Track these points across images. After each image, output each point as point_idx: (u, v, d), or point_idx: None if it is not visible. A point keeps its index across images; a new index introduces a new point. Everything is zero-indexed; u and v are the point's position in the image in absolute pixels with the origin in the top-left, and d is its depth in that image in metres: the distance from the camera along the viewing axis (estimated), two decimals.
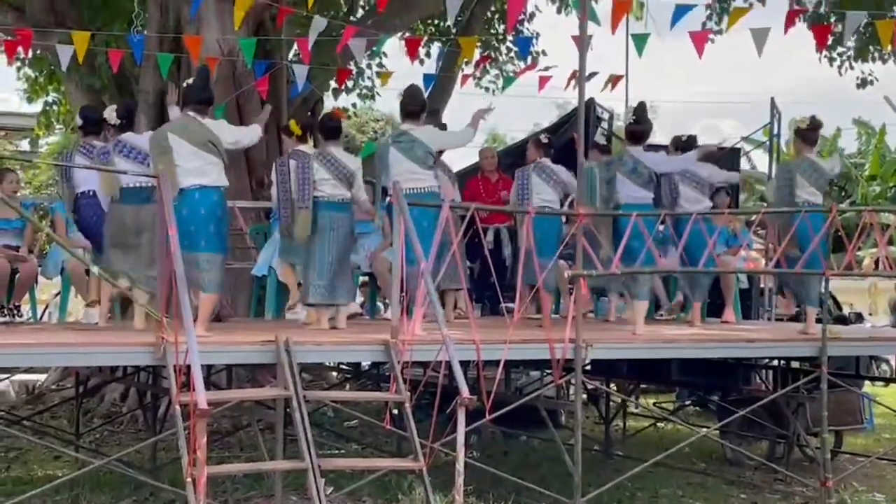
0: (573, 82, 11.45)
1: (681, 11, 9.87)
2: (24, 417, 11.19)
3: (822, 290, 8.92)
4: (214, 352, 6.92)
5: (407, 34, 15.60)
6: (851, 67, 15.50)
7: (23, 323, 9.76)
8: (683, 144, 10.24)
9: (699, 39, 10.17)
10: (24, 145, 26.60)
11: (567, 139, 11.66)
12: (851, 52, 15.35)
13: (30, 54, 14.47)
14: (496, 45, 17.75)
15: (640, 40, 10.89)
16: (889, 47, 14.16)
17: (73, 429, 10.62)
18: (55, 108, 17.40)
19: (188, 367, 5.93)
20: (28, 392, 13.32)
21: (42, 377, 13.68)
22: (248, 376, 10.76)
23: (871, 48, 15.19)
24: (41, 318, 13.43)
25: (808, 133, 9.46)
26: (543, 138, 10.29)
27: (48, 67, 16.12)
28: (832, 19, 14.34)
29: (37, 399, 12.88)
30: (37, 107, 17.75)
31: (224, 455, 9.98)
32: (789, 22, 10.04)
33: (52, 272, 9.68)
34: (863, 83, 15.78)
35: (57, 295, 11.20)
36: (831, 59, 15.36)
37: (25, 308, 11.12)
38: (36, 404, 12.54)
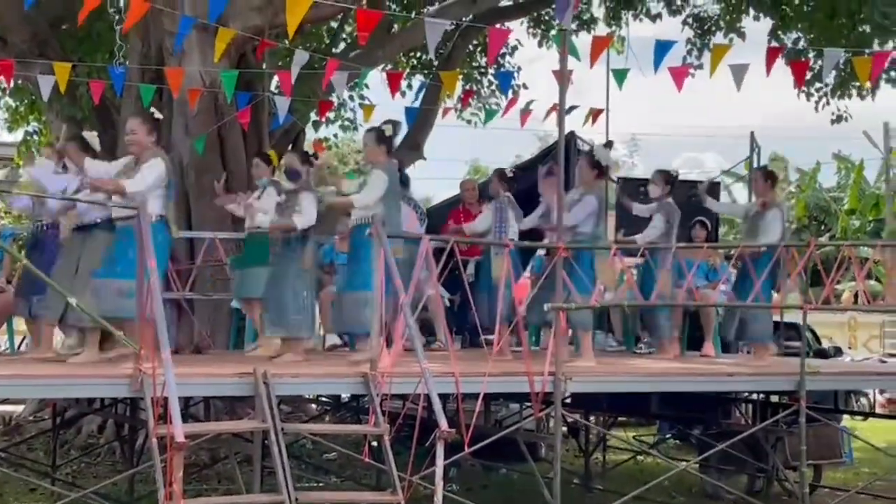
0: (553, 115, 11.52)
1: (661, 48, 9.93)
2: (0, 449, 11.10)
3: (802, 324, 8.96)
4: (192, 384, 6.89)
5: (389, 67, 15.69)
6: (828, 103, 15.65)
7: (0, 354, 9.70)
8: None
9: (679, 74, 10.24)
10: (4, 175, 26.51)
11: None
12: (828, 89, 15.49)
13: (11, 84, 14.47)
14: (478, 77, 17.85)
15: (621, 75, 10.96)
16: (867, 84, 14.31)
17: (50, 461, 10.54)
18: (36, 137, 17.39)
19: (166, 399, 5.90)
20: (4, 423, 13.22)
21: (19, 408, 13.58)
22: (226, 408, 10.71)
23: (850, 85, 15.33)
24: (18, 348, 13.33)
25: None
26: (508, 172, 10.35)
27: (29, 97, 16.13)
28: (810, 55, 14.48)
29: (13, 431, 12.77)
30: (17, 136, 17.75)
31: (201, 488, 9.91)
32: (770, 61, 10.11)
33: None
34: (838, 119, 15.93)
35: None
36: (808, 95, 15.50)
37: (2, 339, 11.07)
38: (12, 436, 12.43)
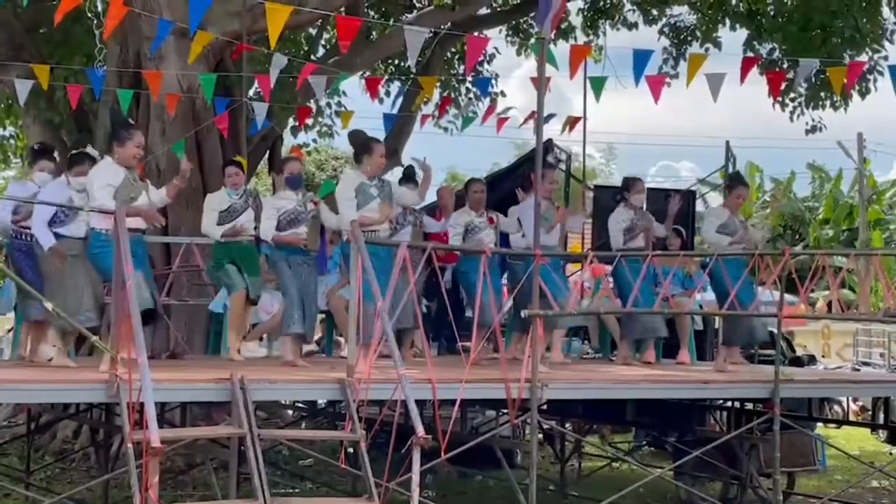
0: (531, 122, 11.58)
1: (640, 58, 10.00)
2: None
3: (776, 332, 9.03)
4: (168, 389, 6.85)
5: (367, 73, 15.71)
6: (803, 113, 15.77)
7: None
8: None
9: (655, 84, 10.32)
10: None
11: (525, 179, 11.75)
12: (802, 99, 15.62)
13: None
14: (455, 85, 17.89)
15: (598, 83, 11.03)
16: (840, 94, 14.44)
17: (24, 466, 10.47)
18: (12, 141, 17.31)
19: (141, 404, 5.88)
20: None
21: None
22: (203, 414, 10.68)
23: (822, 95, 15.47)
24: None
25: None
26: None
27: (6, 101, 16.04)
28: (785, 65, 14.61)
29: None
30: None
31: (177, 494, 9.88)
32: (745, 71, 10.20)
33: (5, 308, 9.59)
34: (813, 129, 16.06)
35: (10, 331, 11.09)
36: (783, 105, 15.62)
37: None
38: None
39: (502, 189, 11.90)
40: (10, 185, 9.96)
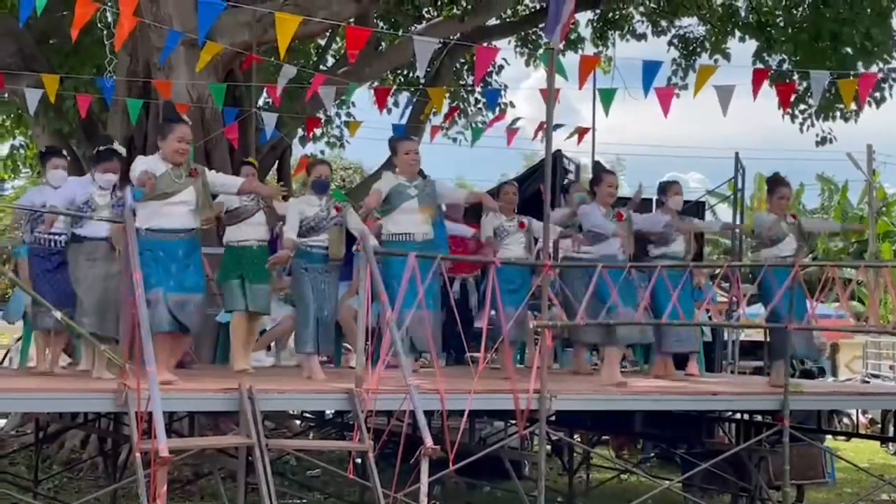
0: (541, 133, 11.57)
1: (650, 70, 10.00)
2: None
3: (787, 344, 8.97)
4: (176, 399, 6.86)
5: (376, 84, 15.74)
6: (813, 125, 15.74)
7: None
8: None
9: (665, 96, 10.31)
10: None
11: (534, 190, 11.74)
12: (813, 111, 15.59)
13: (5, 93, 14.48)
14: (464, 95, 17.91)
15: (608, 96, 11.02)
16: (852, 106, 14.41)
17: (32, 475, 10.46)
18: (22, 151, 17.36)
19: (150, 413, 5.88)
20: None
21: (1, 423, 13.52)
22: (211, 424, 10.67)
23: (834, 106, 15.43)
24: (1, 363, 13.31)
25: None
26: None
27: (16, 111, 16.11)
28: (795, 77, 14.59)
29: None
30: (3, 150, 17.73)
31: (184, 503, 9.87)
32: (756, 84, 10.16)
33: (14, 317, 9.58)
34: (822, 141, 16.01)
35: (18, 340, 11.10)
36: (793, 117, 15.59)
37: None
38: None
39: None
40: (28, 191, 9.88)
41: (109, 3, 10.77)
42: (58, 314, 6.66)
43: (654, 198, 10.48)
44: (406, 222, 8.49)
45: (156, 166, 7.36)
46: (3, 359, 14.28)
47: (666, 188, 10.10)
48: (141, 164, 7.33)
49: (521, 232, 9.86)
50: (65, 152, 9.63)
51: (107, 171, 8.01)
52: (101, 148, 8.32)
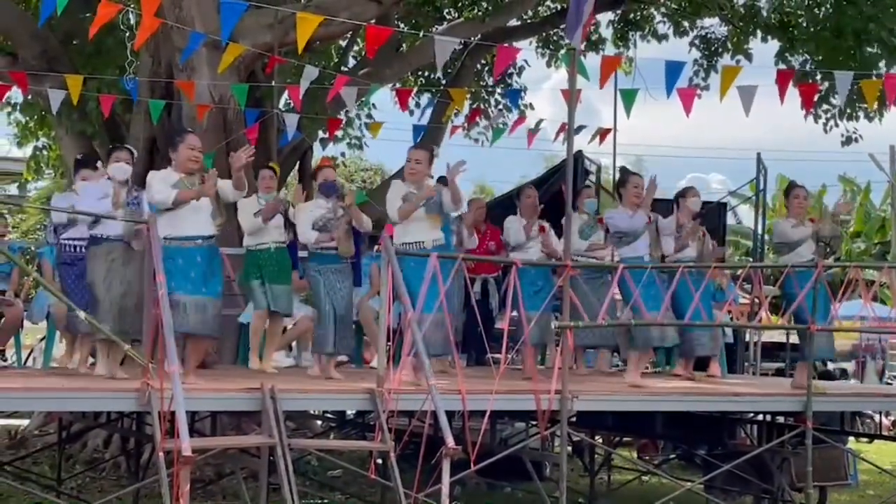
0: (562, 135, 11.56)
1: (672, 70, 9.96)
2: (5, 463, 11.08)
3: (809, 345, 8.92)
4: (199, 398, 6.89)
5: (397, 85, 15.75)
6: (836, 125, 15.65)
7: (7, 367, 9.71)
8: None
9: (686, 96, 10.26)
10: (13, 189, 26.64)
11: (555, 191, 11.72)
12: (836, 111, 15.50)
13: (20, 99, 14.54)
14: (485, 96, 17.90)
15: (629, 97, 10.98)
16: (874, 106, 14.32)
17: (55, 475, 10.53)
18: (45, 152, 17.44)
19: (173, 413, 5.91)
20: (10, 437, 13.21)
21: (25, 422, 13.59)
22: (233, 424, 10.71)
23: (857, 106, 15.34)
24: (25, 362, 13.38)
25: None
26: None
27: (39, 112, 16.19)
28: (818, 77, 14.52)
29: (19, 444, 12.77)
30: (27, 151, 17.81)
31: (207, 503, 9.90)
32: (782, 86, 10.12)
33: (38, 317, 9.65)
34: (847, 141, 15.91)
35: (42, 340, 11.17)
36: (816, 117, 15.51)
37: (10, 352, 11.09)
38: (18, 449, 12.43)
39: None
40: (53, 197, 9.94)
41: (132, 5, 10.82)
42: (82, 314, 6.70)
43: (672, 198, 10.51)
44: (415, 231, 8.45)
45: (169, 178, 7.56)
46: (28, 358, 14.36)
47: (685, 192, 10.10)
48: (156, 180, 7.53)
49: (542, 235, 9.88)
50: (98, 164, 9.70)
51: (118, 160, 7.93)
52: (111, 146, 8.45)
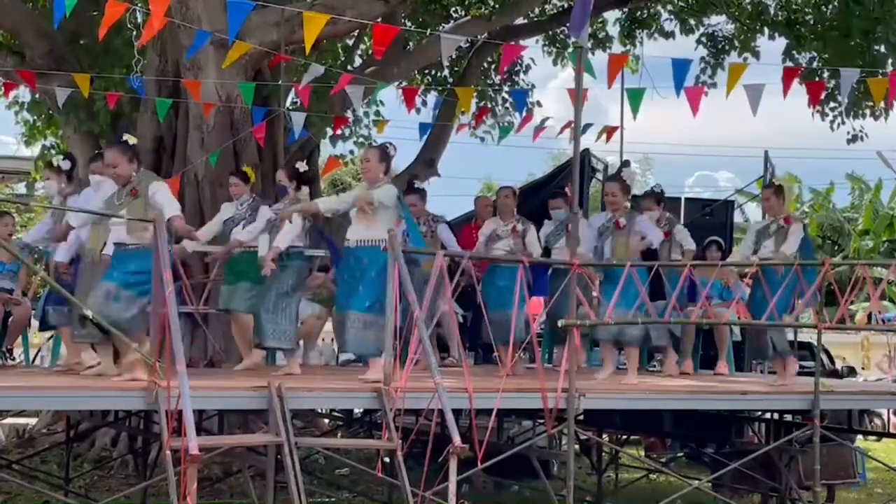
0: (568, 132, 11.55)
1: (679, 68, 9.95)
2: (13, 461, 11.12)
3: (817, 343, 8.91)
4: (206, 397, 6.90)
5: (404, 84, 15.74)
6: (843, 123, 15.61)
7: (15, 366, 9.72)
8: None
9: (693, 95, 10.25)
10: (21, 189, 26.66)
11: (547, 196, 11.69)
12: (843, 108, 15.47)
13: (28, 97, 14.55)
14: (492, 95, 17.90)
15: (636, 96, 10.97)
16: (881, 104, 14.29)
17: (63, 473, 10.55)
18: (52, 152, 17.44)
19: (180, 412, 5.91)
20: (18, 436, 13.24)
21: (33, 421, 13.61)
22: (239, 422, 10.72)
23: (863, 104, 15.30)
24: (33, 361, 13.38)
25: None
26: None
27: (46, 112, 16.21)
28: (825, 75, 14.48)
29: (27, 443, 12.79)
30: (34, 150, 17.82)
31: (214, 502, 9.92)
32: (787, 83, 10.10)
33: None
34: (854, 138, 15.88)
35: (50, 339, 11.18)
36: (823, 114, 15.48)
37: (18, 351, 11.10)
38: (26, 448, 12.46)
39: (540, 198, 11.83)
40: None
41: (139, 4, 10.83)
42: (88, 313, 6.70)
43: (683, 196, 10.54)
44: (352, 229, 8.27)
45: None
46: (36, 357, 14.38)
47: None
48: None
49: (515, 237, 9.75)
50: None
51: (94, 171, 8.06)
52: (97, 152, 8.49)
